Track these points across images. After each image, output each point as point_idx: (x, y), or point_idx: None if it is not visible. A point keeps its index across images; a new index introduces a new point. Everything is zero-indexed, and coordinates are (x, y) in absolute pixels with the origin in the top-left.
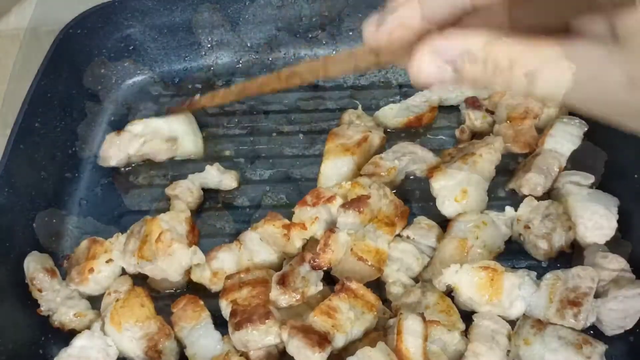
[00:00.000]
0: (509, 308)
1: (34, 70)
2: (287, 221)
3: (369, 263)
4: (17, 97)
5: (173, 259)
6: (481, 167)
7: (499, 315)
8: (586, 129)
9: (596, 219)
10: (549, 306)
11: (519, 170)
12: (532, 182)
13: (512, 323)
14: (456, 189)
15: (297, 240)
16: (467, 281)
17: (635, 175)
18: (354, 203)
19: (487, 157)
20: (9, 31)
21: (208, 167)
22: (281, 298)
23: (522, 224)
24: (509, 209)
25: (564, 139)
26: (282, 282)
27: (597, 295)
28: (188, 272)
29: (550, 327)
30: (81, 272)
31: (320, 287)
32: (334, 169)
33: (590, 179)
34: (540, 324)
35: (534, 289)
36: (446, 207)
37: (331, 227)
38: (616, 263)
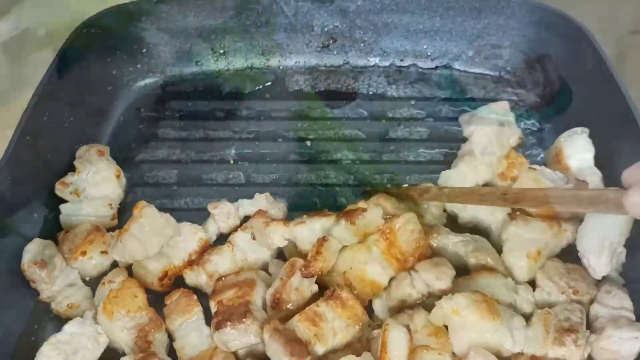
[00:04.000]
0: (511, 337)
1: (34, 70)
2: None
3: (355, 292)
4: (17, 97)
5: (144, 223)
6: (560, 242)
7: (500, 349)
8: (588, 131)
9: (590, 258)
10: (546, 337)
11: None
12: None
13: None
14: (531, 245)
15: (276, 237)
16: (466, 303)
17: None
18: (347, 214)
19: (567, 235)
20: (9, 31)
21: (257, 195)
22: (279, 315)
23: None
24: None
25: (581, 153)
26: (277, 303)
27: (593, 331)
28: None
29: None
30: (73, 251)
31: (316, 289)
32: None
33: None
34: None
35: (523, 322)
36: (513, 257)
37: (324, 236)
38: (618, 300)
